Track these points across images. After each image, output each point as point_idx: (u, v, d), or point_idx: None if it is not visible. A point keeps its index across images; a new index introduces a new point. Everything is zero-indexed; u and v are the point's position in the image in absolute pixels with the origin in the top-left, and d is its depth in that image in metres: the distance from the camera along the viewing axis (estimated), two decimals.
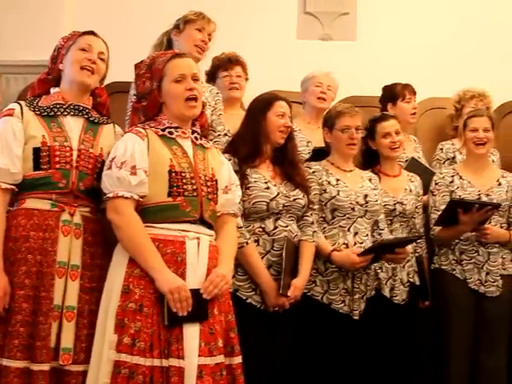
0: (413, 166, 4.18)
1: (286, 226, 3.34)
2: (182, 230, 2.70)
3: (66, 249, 2.74)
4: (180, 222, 2.70)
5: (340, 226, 3.58)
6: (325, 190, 3.59)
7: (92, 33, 2.95)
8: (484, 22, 5.25)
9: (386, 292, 3.74)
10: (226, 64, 4.10)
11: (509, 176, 4.15)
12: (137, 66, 2.92)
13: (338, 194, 3.58)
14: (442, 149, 4.60)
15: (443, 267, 4.01)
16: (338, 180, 3.64)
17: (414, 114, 4.57)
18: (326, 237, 3.54)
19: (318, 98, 4.34)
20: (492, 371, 3.96)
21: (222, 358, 2.68)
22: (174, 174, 2.71)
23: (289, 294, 3.24)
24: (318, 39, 5.23)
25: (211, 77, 4.14)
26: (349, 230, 3.58)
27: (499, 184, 4.08)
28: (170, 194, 2.70)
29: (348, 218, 3.58)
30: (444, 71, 5.10)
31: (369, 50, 5.18)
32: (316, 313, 3.49)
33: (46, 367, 2.65)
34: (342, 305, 3.51)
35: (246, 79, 4.41)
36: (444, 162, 4.54)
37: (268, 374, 3.24)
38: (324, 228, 3.56)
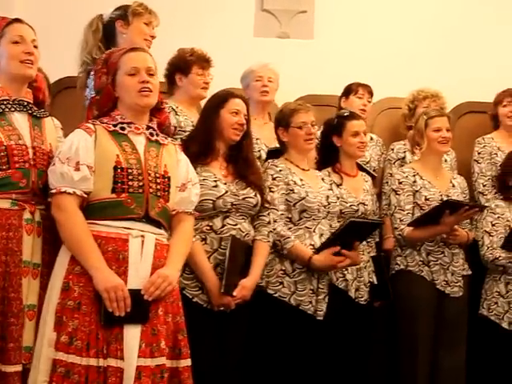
0: None
1: (235, 225, 3.33)
2: (126, 228, 2.68)
3: (30, 248, 2.72)
4: (124, 219, 2.68)
5: (306, 227, 3.60)
6: (292, 190, 3.60)
7: (18, 20, 2.90)
8: (441, 23, 5.31)
9: (352, 293, 3.76)
10: (203, 63, 4.09)
11: (458, 177, 4.24)
12: (95, 62, 2.94)
13: (308, 195, 3.60)
14: (393, 149, 4.67)
15: (410, 268, 4.02)
16: (301, 180, 3.65)
17: (364, 110, 4.61)
18: (294, 237, 3.54)
19: (261, 92, 4.36)
20: (451, 371, 4.01)
21: (164, 360, 2.66)
22: (119, 170, 2.69)
23: (234, 293, 3.23)
24: (275, 37, 5.23)
25: (183, 69, 4.10)
26: (314, 231, 3.60)
27: (453, 186, 4.14)
28: (113, 191, 2.68)
29: (313, 219, 3.61)
30: (401, 71, 5.14)
31: (326, 48, 5.19)
32: (282, 314, 3.50)
33: (19, 368, 2.63)
34: (310, 305, 3.53)
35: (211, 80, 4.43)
36: (394, 163, 4.59)
37: (218, 375, 3.23)
38: (290, 229, 3.57)
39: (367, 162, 4.50)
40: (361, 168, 4.17)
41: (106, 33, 3.68)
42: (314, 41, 5.26)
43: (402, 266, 4.05)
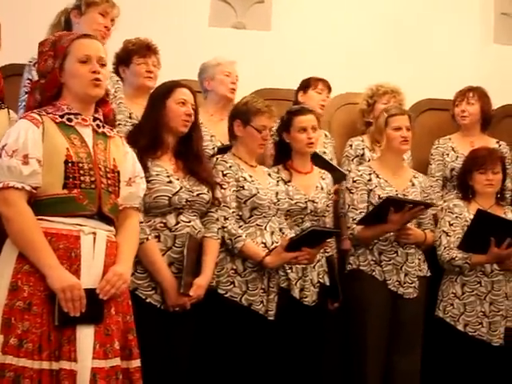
0: (315, 161, 4.20)
1: (189, 222, 3.32)
2: (77, 225, 2.64)
3: None
4: (76, 215, 2.64)
5: (257, 225, 3.60)
6: (242, 187, 3.60)
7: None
8: (401, 18, 5.37)
9: (296, 293, 3.76)
10: (143, 51, 4.04)
11: (420, 176, 4.27)
12: (41, 44, 2.84)
13: (258, 192, 3.61)
14: (351, 145, 4.69)
15: (361, 268, 4.06)
16: (251, 176, 3.65)
17: (323, 106, 4.63)
18: (246, 236, 3.54)
19: (230, 89, 4.29)
20: (406, 374, 4.06)
21: (119, 361, 2.63)
22: (70, 165, 2.64)
23: (191, 293, 3.23)
24: (230, 27, 5.22)
25: (124, 61, 4.07)
26: (265, 228, 3.61)
27: (413, 184, 4.18)
28: (65, 186, 2.63)
29: (264, 216, 3.62)
30: (359, 67, 5.18)
31: (284, 41, 5.21)
32: (234, 314, 3.50)
33: None
34: (261, 305, 3.54)
35: (159, 68, 4.38)
36: (353, 159, 4.62)
37: (169, 376, 3.22)
38: (241, 226, 3.57)
39: (330, 159, 4.52)
40: (331, 167, 4.20)
41: (68, 26, 3.63)
42: (271, 32, 5.27)
43: (354, 266, 4.10)
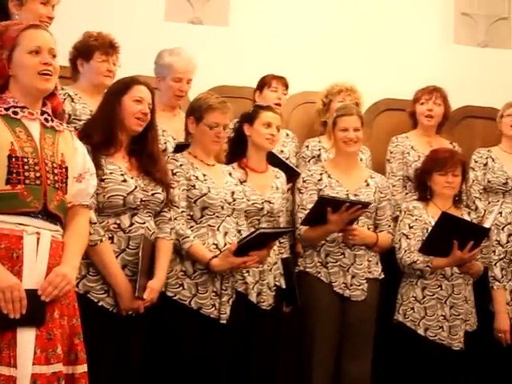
0: (270, 160, 4.13)
1: (144, 223, 3.25)
2: (20, 224, 2.54)
3: None
4: (19, 213, 2.54)
5: (209, 226, 3.54)
6: (193, 186, 3.53)
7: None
8: (360, 18, 5.36)
9: (253, 297, 3.72)
10: (106, 48, 3.96)
11: (377, 177, 4.24)
12: None
13: (209, 191, 3.54)
14: (307, 146, 4.66)
15: (308, 270, 4.04)
16: (204, 175, 3.59)
17: (279, 104, 4.58)
18: (194, 237, 3.48)
19: (176, 96, 4.20)
20: (357, 378, 4.03)
21: (61, 367, 2.54)
22: (14, 160, 2.54)
23: (145, 296, 3.16)
24: (187, 22, 5.15)
25: (84, 54, 3.97)
26: (218, 229, 3.54)
27: (367, 185, 4.16)
28: (8, 182, 2.53)
29: (217, 216, 3.55)
30: (318, 65, 5.15)
31: (241, 37, 5.15)
32: (182, 318, 3.44)
33: None
34: (213, 309, 3.48)
35: (118, 67, 4.29)
36: (309, 160, 4.58)
37: (120, 381, 3.17)
38: (192, 227, 3.51)
39: (287, 159, 4.48)
40: (285, 165, 4.16)
41: (5, 17, 3.51)
42: (228, 28, 5.22)
43: (301, 268, 4.08)
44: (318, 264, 4.03)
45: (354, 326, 4.02)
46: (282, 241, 3.98)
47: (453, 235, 3.96)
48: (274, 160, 4.11)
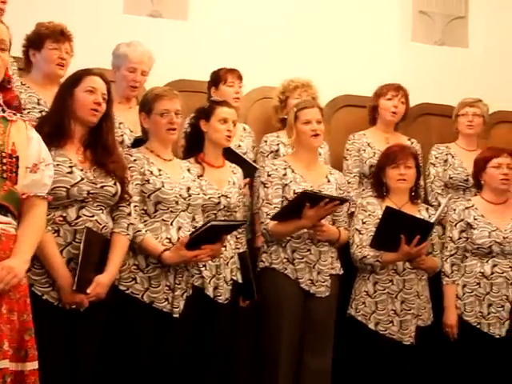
0: (228, 155, 4.16)
1: (92, 216, 3.23)
2: None
3: None
4: None
5: (163, 220, 3.54)
6: (147, 181, 3.53)
7: None
8: (319, 14, 5.37)
9: (210, 291, 3.74)
10: (57, 36, 3.94)
11: (336, 173, 4.28)
12: None
13: (163, 186, 3.54)
14: (266, 141, 4.67)
15: (274, 266, 4.05)
16: (160, 170, 3.59)
17: (238, 98, 4.59)
18: (147, 231, 3.49)
19: (130, 86, 4.22)
20: (318, 372, 4.08)
21: (7, 363, 2.51)
22: None
23: (88, 291, 3.14)
24: (146, 15, 5.11)
25: (36, 44, 3.96)
26: (172, 224, 3.55)
27: (328, 181, 4.19)
28: None
29: (171, 211, 3.55)
30: (277, 61, 5.15)
31: (201, 31, 5.13)
32: (135, 312, 3.44)
33: None
34: (166, 303, 3.48)
35: (71, 56, 4.28)
36: (267, 155, 4.59)
37: (71, 377, 3.15)
38: (146, 221, 3.51)
39: (244, 154, 4.49)
40: (242, 160, 4.17)
41: None
42: (187, 22, 5.18)
43: (266, 264, 4.08)
44: (285, 260, 4.04)
45: (317, 322, 4.06)
46: (238, 236, 3.99)
47: (399, 230, 4.01)
48: (231, 155, 4.12)
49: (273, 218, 3.98)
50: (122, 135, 4.00)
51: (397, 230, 4.01)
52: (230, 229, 3.74)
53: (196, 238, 3.45)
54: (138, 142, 3.83)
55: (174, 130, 3.64)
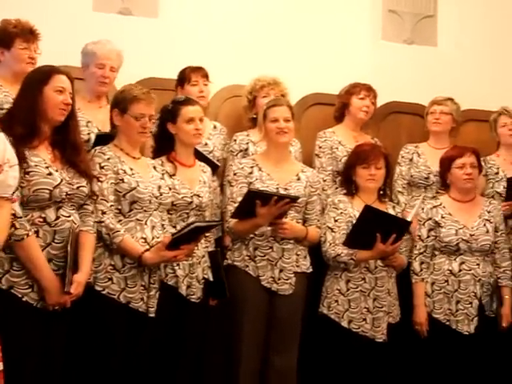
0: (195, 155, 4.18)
1: (69, 216, 3.24)
2: None
3: None
4: None
5: (137, 220, 3.53)
6: (122, 180, 3.51)
7: None
8: (291, 13, 5.38)
9: (183, 290, 3.74)
10: (26, 35, 3.92)
11: (308, 171, 4.29)
12: None
13: (138, 186, 3.53)
14: (235, 140, 4.67)
15: (236, 263, 4.06)
16: (131, 169, 3.58)
17: (203, 97, 4.57)
18: (124, 231, 3.47)
19: (99, 82, 4.19)
20: (283, 370, 4.09)
21: None
22: None
23: (72, 290, 3.15)
24: (116, 13, 5.07)
25: (5, 42, 3.93)
26: (146, 223, 3.54)
27: (298, 179, 4.20)
28: None
29: (145, 210, 3.55)
30: (247, 58, 5.16)
31: (171, 29, 5.11)
32: (111, 312, 3.44)
33: None
34: (141, 303, 3.49)
35: (39, 55, 4.24)
36: (237, 154, 4.60)
37: (44, 377, 3.14)
38: (120, 221, 3.50)
39: (211, 152, 4.49)
40: (204, 158, 4.15)
41: None
42: (158, 20, 5.16)
43: (229, 261, 4.10)
44: (246, 258, 4.05)
45: (281, 320, 4.06)
46: (207, 234, 3.98)
47: (376, 228, 4.04)
48: (196, 156, 4.12)
49: (231, 217, 4.01)
50: (88, 134, 3.97)
51: (373, 229, 4.05)
52: (208, 229, 3.76)
53: (178, 239, 3.46)
54: (99, 139, 3.80)
55: (146, 133, 3.65)
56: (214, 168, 4.23)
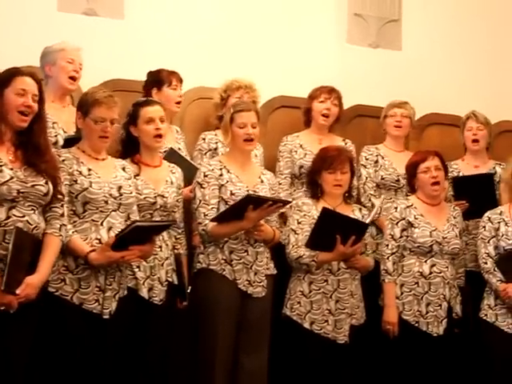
0: (171, 157, 4.18)
1: (23, 216, 3.19)
2: None
3: None
4: None
5: (92, 220, 3.51)
6: (75, 181, 3.50)
7: None
8: (258, 16, 5.40)
9: (144, 292, 3.73)
10: None
11: (268, 174, 4.32)
12: None
13: (91, 186, 3.51)
14: (204, 139, 4.67)
15: (211, 267, 4.05)
16: (89, 170, 3.56)
17: (179, 102, 4.59)
18: (76, 231, 3.46)
19: (70, 77, 4.17)
20: (253, 372, 4.10)
21: None
22: None
23: (17, 291, 3.10)
24: (81, 13, 5.03)
25: None
26: (102, 224, 3.52)
27: (262, 181, 4.22)
28: None
29: (101, 211, 3.53)
30: (214, 61, 5.17)
31: (137, 30, 5.09)
32: (64, 314, 3.42)
33: None
34: (96, 304, 3.46)
35: None
36: (206, 153, 4.60)
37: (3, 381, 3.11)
38: (75, 222, 3.48)
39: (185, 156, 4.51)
40: (183, 160, 4.18)
41: None
42: (123, 21, 5.12)
43: (203, 265, 4.08)
44: (222, 261, 4.05)
45: (253, 322, 4.08)
46: (178, 236, 4.00)
47: (335, 230, 4.08)
48: (174, 157, 4.15)
49: (213, 220, 3.99)
50: (55, 136, 3.95)
51: (332, 231, 4.08)
52: (158, 229, 3.71)
53: (122, 239, 3.43)
54: (68, 142, 3.78)
55: (107, 138, 3.61)
56: (196, 171, 4.21)
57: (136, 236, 3.46)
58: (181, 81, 4.67)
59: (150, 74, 4.65)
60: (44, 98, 3.34)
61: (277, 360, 4.28)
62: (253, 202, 3.90)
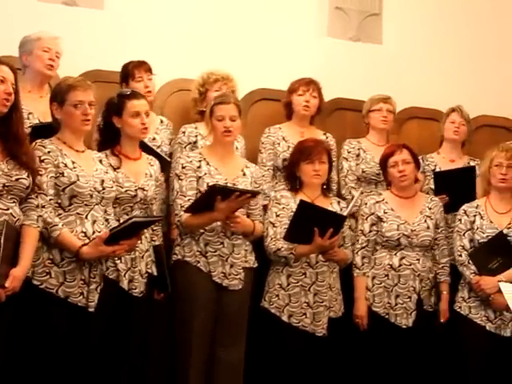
0: (142, 149, 4.14)
1: (7, 209, 3.20)
2: None
3: None
4: None
5: (77, 214, 3.51)
6: (62, 174, 3.48)
7: None
8: (239, 7, 5.40)
9: (125, 284, 3.74)
10: None
11: (252, 167, 4.32)
12: None
13: (78, 180, 3.50)
14: (184, 132, 4.65)
15: (186, 259, 4.06)
16: (73, 163, 3.55)
17: (149, 92, 4.56)
18: (63, 225, 3.45)
19: (47, 65, 4.16)
20: (229, 365, 4.12)
21: None
22: None
23: (6, 284, 3.12)
24: (61, 3, 5.00)
25: None
26: (86, 217, 3.52)
27: (244, 174, 4.22)
28: None
29: (86, 205, 3.53)
30: (194, 52, 5.16)
31: (117, 21, 5.07)
32: (49, 307, 3.41)
33: None
34: (81, 297, 3.47)
35: None
36: (185, 146, 4.59)
37: None
38: (60, 215, 3.47)
39: (159, 146, 4.49)
40: (156, 154, 4.14)
41: None
42: (103, 12, 5.10)
43: (179, 256, 4.10)
44: (197, 253, 4.06)
45: (230, 315, 4.09)
46: (154, 228, 3.99)
47: (313, 223, 4.08)
48: (145, 149, 4.11)
49: (186, 211, 4.00)
50: (30, 126, 3.91)
51: (310, 223, 4.08)
52: (148, 224, 3.76)
53: (116, 234, 3.45)
54: (35, 131, 3.75)
55: (88, 120, 3.60)
56: (167, 164, 4.22)
57: (129, 231, 3.49)
58: (148, 70, 4.62)
59: (121, 68, 4.65)
60: (19, 88, 3.34)
61: (255, 353, 4.30)
62: (220, 192, 3.90)
